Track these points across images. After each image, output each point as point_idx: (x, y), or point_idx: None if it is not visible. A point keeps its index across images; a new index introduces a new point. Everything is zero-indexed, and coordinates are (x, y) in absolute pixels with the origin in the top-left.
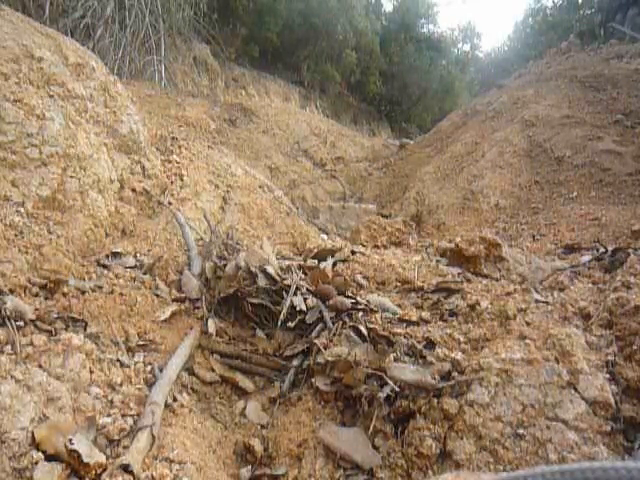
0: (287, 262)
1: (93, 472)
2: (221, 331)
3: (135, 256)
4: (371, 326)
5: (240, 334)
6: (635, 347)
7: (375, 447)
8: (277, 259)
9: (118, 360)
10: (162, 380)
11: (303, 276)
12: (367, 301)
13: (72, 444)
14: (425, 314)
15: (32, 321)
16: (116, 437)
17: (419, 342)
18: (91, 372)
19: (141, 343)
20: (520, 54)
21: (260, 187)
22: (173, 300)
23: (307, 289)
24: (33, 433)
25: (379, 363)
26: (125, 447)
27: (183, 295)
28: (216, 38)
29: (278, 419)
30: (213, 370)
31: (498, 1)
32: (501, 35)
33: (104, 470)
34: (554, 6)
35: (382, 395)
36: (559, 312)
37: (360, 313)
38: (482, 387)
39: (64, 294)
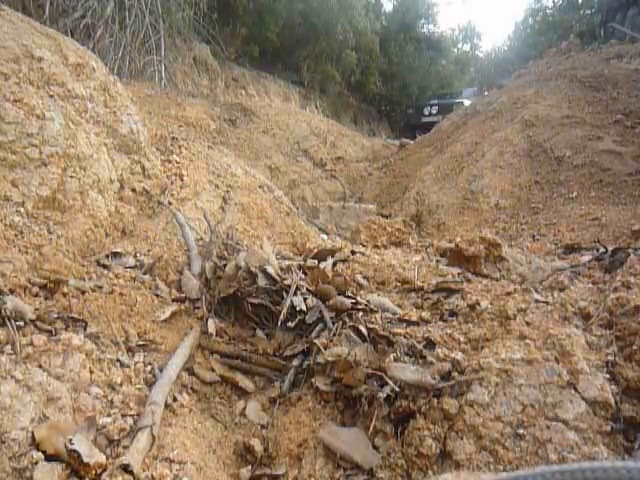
0: (287, 262)
1: (93, 472)
2: (221, 331)
3: (135, 256)
4: (371, 326)
5: (240, 334)
6: (635, 347)
7: (375, 447)
8: (277, 259)
9: (118, 360)
10: (162, 380)
11: (303, 276)
12: (367, 301)
13: (72, 444)
14: (425, 314)
15: (32, 321)
16: (116, 437)
17: (419, 342)
18: (91, 372)
19: (141, 343)
20: (520, 54)
21: (260, 187)
22: (173, 300)
23: (307, 289)
24: (33, 433)
25: (379, 363)
26: (125, 447)
27: (183, 295)
28: (216, 38)
29: (278, 419)
30: (213, 370)
31: (498, 1)
32: (501, 35)
33: (104, 470)
34: (554, 6)
35: (382, 395)
36: (559, 312)
37: (360, 313)
38: (482, 387)
39: (64, 294)
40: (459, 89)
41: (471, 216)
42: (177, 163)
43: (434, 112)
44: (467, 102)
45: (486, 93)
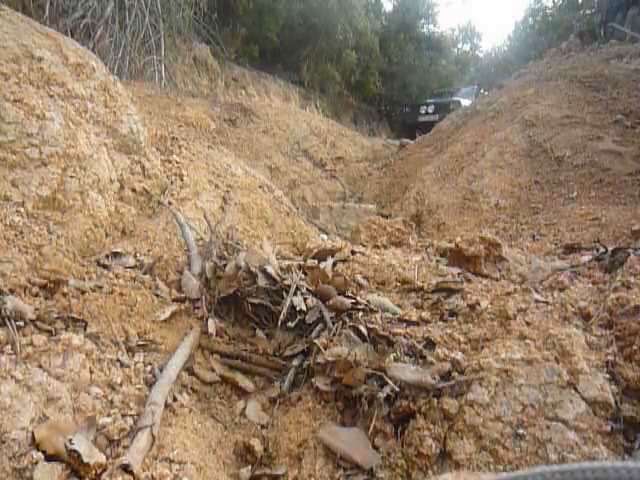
0: (287, 262)
1: (93, 472)
2: (221, 331)
3: (135, 256)
4: (371, 326)
5: (240, 334)
6: (635, 347)
7: (375, 447)
8: (277, 259)
9: (118, 360)
10: (162, 380)
11: (303, 276)
12: (367, 301)
13: (72, 444)
14: (425, 314)
15: (32, 321)
16: (116, 437)
17: (419, 342)
18: (91, 372)
19: (141, 343)
20: (520, 54)
21: (260, 187)
22: (173, 300)
23: (307, 289)
24: (33, 433)
25: (379, 363)
26: (125, 447)
27: (183, 295)
28: (216, 38)
29: (278, 419)
30: (213, 370)
31: (498, 1)
32: (501, 35)
33: (104, 470)
34: (554, 6)
35: (382, 395)
36: (559, 312)
37: (360, 313)
38: (482, 387)
39: (64, 294)
40: (455, 88)
41: (471, 216)
42: (177, 163)
43: (430, 111)
44: (464, 101)
45: (483, 91)
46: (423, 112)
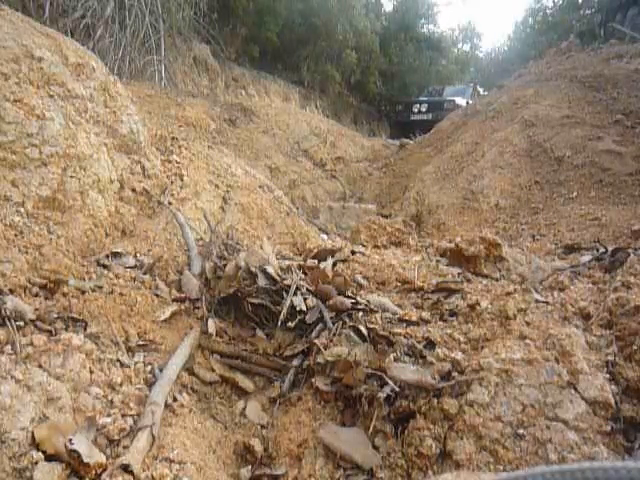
0: (287, 262)
1: (93, 472)
2: (221, 331)
3: (135, 256)
4: (371, 326)
5: (240, 334)
6: (635, 347)
7: (375, 447)
8: (277, 259)
9: (118, 360)
10: (162, 380)
11: (303, 276)
12: (367, 301)
13: (72, 444)
14: (425, 314)
15: (32, 321)
16: (116, 437)
17: (419, 342)
18: (91, 372)
19: (141, 343)
20: (520, 54)
21: (260, 187)
22: (173, 300)
23: (307, 289)
24: (33, 433)
25: (379, 363)
26: (125, 447)
27: (183, 295)
28: (216, 38)
29: (278, 419)
30: (213, 370)
31: (498, 1)
32: (501, 35)
33: (104, 470)
34: (554, 6)
35: (382, 395)
36: (559, 312)
37: (360, 313)
38: (482, 387)
39: (64, 294)
40: (444, 86)
41: (471, 216)
42: (177, 163)
43: (424, 109)
44: (459, 100)
45: (479, 88)
46: (416, 110)
